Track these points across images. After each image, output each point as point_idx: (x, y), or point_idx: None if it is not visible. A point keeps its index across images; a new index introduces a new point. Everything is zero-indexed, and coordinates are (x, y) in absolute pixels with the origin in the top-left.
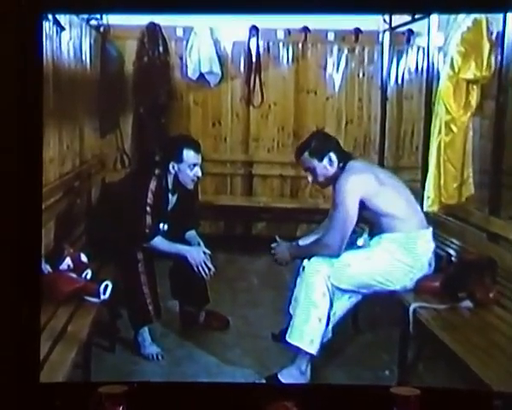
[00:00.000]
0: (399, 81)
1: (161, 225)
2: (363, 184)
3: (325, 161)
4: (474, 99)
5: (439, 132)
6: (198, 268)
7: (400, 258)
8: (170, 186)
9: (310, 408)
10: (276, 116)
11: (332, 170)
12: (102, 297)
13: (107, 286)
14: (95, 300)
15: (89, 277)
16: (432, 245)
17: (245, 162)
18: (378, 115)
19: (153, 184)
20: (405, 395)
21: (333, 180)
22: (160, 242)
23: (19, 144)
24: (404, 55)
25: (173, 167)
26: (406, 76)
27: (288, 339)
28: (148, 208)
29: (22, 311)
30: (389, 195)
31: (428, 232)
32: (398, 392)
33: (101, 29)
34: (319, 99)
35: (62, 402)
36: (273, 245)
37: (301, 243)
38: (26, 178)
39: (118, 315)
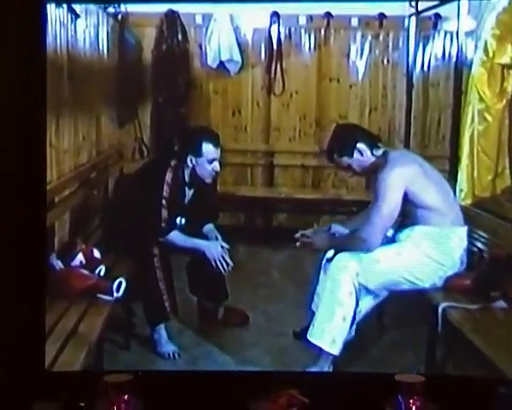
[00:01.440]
0: (425, 68)
1: (178, 218)
2: (407, 177)
3: (355, 154)
4: (510, 85)
5: (472, 121)
6: (216, 263)
7: (431, 254)
8: (187, 179)
9: (314, 396)
10: (297, 105)
11: (367, 159)
12: (116, 295)
13: (120, 283)
14: (108, 298)
15: (102, 273)
16: (465, 243)
17: (266, 152)
18: (403, 103)
19: (169, 177)
20: (410, 382)
21: (373, 168)
22: (176, 236)
23: (22, 136)
24: (431, 41)
25: (191, 161)
26: (433, 62)
27: (309, 337)
28: (163, 202)
29: (28, 304)
30: (432, 188)
31: (463, 230)
32: (403, 379)
33: (119, 17)
34: (342, 87)
35: (68, 391)
36: (308, 231)
37: (334, 229)
38: (30, 170)
39: (132, 313)
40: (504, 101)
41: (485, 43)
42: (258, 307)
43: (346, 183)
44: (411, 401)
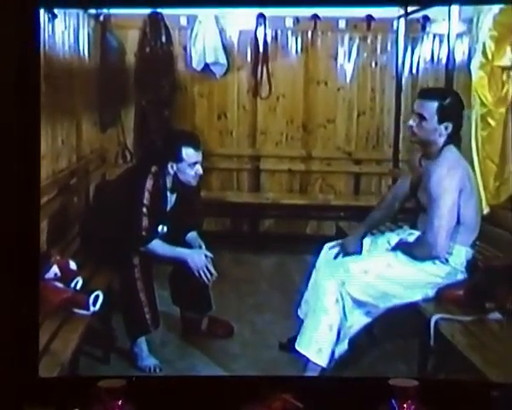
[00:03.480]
0: (414, 71)
1: (160, 227)
2: (462, 181)
3: (442, 126)
4: (511, 88)
5: (476, 127)
6: (199, 273)
7: (427, 269)
8: (169, 185)
9: (308, 400)
10: (284, 108)
11: (437, 137)
12: (92, 309)
13: (97, 297)
14: (84, 312)
15: (78, 286)
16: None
17: (252, 157)
18: (392, 107)
19: (149, 183)
20: (404, 387)
21: (427, 145)
22: (158, 245)
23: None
24: (420, 43)
25: (172, 167)
26: (421, 65)
27: (297, 346)
28: (144, 209)
29: (21, 308)
30: (473, 199)
31: (470, 252)
32: (397, 383)
33: (101, 18)
34: (330, 90)
35: (62, 397)
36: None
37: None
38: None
39: (111, 326)
40: (507, 104)
41: (484, 45)
42: (243, 318)
43: (334, 188)
44: (405, 405)
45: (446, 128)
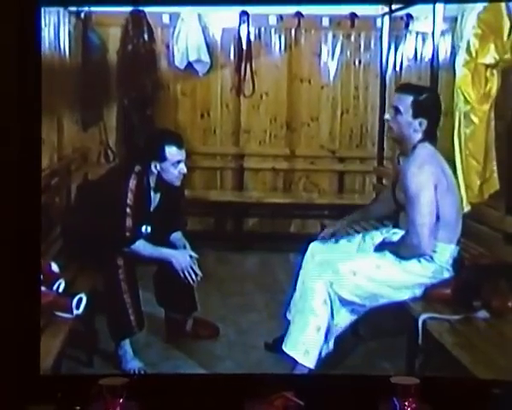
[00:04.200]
0: (398, 69)
1: (144, 227)
2: (435, 176)
3: (417, 121)
4: (494, 86)
5: (460, 125)
6: (184, 274)
7: (415, 269)
8: (152, 185)
9: (309, 398)
10: (267, 106)
11: (411, 132)
12: (76, 312)
13: (81, 299)
14: (67, 315)
15: (61, 289)
16: (452, 260)
17: (235, 155)
18: (376, 105)
19: (132, 183)
20: (405, 385)
21: (401, 140)
22: (142, 246)
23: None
24: (403, 42)
25: (155, 167)
26: (405, 63)
27: (284, 348)
28: (128, 210)
29: (22, 306)
30: (450, 196)
31: (456, 250)
32: (399, 381)
33: (82, 15)
34: (314, 88)
35: (63, 394)
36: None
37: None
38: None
39: (94, 329)
40: (490, 102)
41: (468, 43)
42: (228, 318)
43: (318, 186)
44: (406, 403)
45: (421, 124)
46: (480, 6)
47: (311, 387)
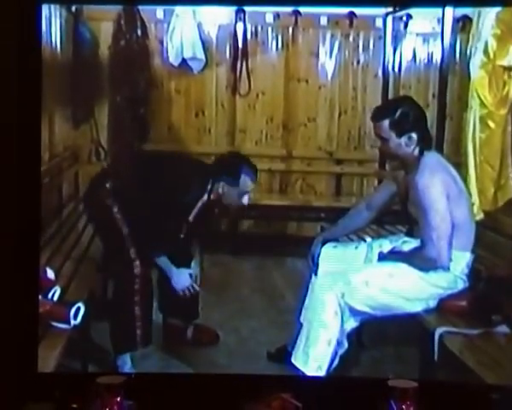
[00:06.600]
0: (396, 70)
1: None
2: (446, 183)
3: (404, 138)
4: None
5: (474, 129)
6: (182, 292)
7: (429, 278)
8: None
9: (307, 400)
10: (264, 106)
11: (406, 150)
12: (73, 322)
13: (79, 309)
14: (64, 326)
15: (56, 297)
16: (468, 269)
17: None
18: (374, 106)
19: (202, 202)
20: (403, 388)
21: (401, 160)
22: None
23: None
24: (403, 42)
25: (222, 188)
26: (404, 64)
27: (294, 361)
28: (185, 225)
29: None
30: (463, 200)
31: (471, 257)
32: (396, 384)
33: (73, 9)
34: (311, 88)
35: (61, 392)
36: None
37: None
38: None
39: (91, 339)
40: (507, 106)
41: (486, 43)
42: (228, 325)
43: (315, 188)
44: (404, 406)
45: (410, 138)
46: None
47: (308, 389)
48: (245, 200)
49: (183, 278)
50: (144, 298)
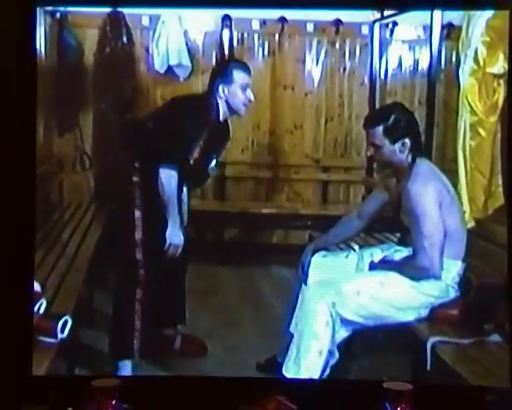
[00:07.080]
0: (383, 76)
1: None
2: (438, 192)
3: (398, 145)
4: (502, 96)
5: (464, 137)
6: (169, 248)
7: (420, 287)
8: (221, 116)
9: (302, 402)
10: (250, 113)
11: (400, 156)
12: (60, 336)
13: (66, 322)
14: (51, 340)
15: (42, 310)
16: (459, 278)
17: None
18: (361, 113)
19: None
20: (398, 390)
21: (395, 167)
22: (169, 181)
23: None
24: (389, 49)
25: (223, 91)
26: (390, 71)
27: (285, 372)
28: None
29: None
30: (455, 209)
31: (462, 266)
32: (391, 387)
33: (58, 15)
34: (297, 95)
35: (55, 395)
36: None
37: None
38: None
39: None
40: (497, 113)
41: (476, 51)
42: (216, 335)
43: (302, 196)
44: (399, 408)
45: (404, 145)
46: (489, 12)
47: (303, 391)
48: (249, 94)
49: (177, 234)
50: (145, 308)
